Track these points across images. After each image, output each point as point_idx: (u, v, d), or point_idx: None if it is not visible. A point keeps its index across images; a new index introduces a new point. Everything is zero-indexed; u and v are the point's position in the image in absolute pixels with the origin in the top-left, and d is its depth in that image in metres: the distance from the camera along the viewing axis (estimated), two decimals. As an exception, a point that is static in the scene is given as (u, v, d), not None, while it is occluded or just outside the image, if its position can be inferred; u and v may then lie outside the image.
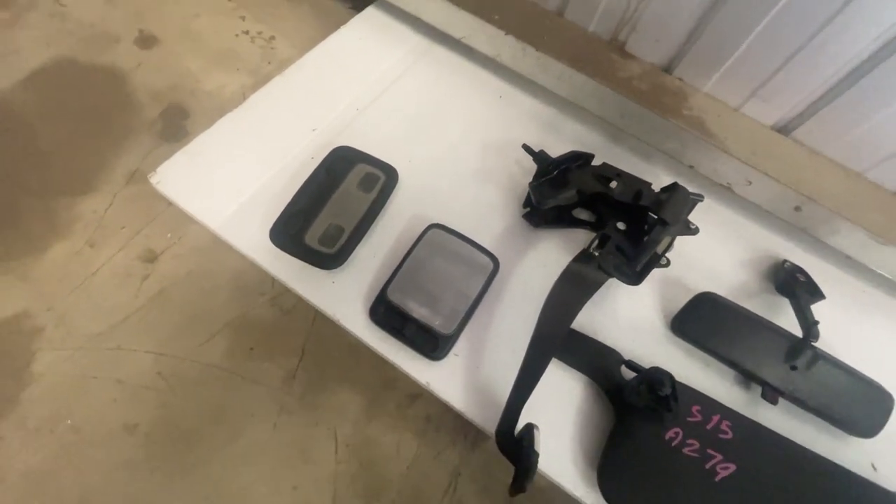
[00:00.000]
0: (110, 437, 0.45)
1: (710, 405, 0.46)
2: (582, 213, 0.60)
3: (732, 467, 0.43)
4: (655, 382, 0.44)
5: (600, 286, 0.48)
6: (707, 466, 0.43)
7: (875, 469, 0.50)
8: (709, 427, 0.44)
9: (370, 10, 0.73)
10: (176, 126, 0.62)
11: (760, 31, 0.50)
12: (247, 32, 0.72)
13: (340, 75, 0.67)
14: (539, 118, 0.66)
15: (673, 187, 0.51)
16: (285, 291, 0.50)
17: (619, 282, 0.50)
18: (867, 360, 0.52)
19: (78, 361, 0.48)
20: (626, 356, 0.50)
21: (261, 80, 0.63)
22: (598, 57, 0.61)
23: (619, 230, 0.52)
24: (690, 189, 0.53)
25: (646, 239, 0.49)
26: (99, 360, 0.48)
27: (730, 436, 0.44)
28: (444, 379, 0.48)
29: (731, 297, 0.55)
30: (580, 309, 0.46)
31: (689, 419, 0.45)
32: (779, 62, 0.52)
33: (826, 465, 0.46)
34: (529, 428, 0.42)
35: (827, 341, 0.52)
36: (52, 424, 0.45)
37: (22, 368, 0.46)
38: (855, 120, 0.52)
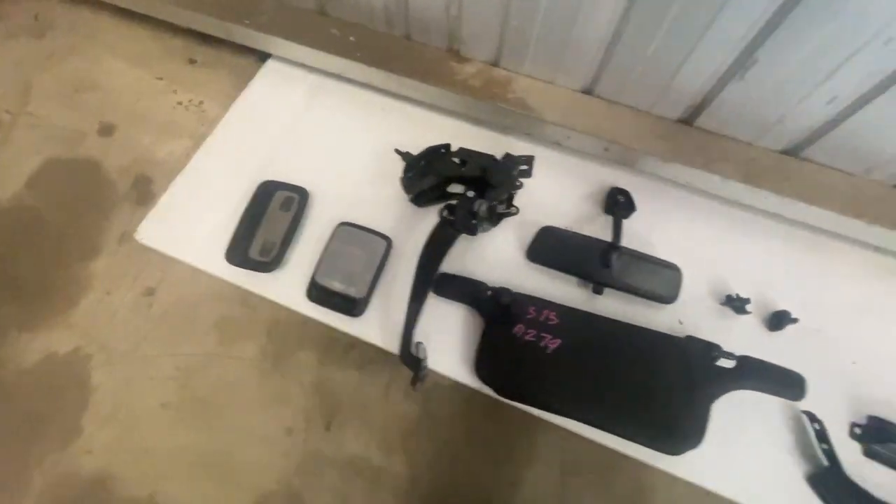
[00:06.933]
0: (153, 412, 0.68)
1: (542, 304, 0.66)
2: (456, 188, 0.78)
3: (558, 341, 0.63)
4: (500, 296, 0.64)
5: (454, 240, 0.68)
6: (542, 344, 0.63)
7: (681, 323, 0.69)
8: (541, 319, 0.64)
9: (270, 63, 0.91)
10: (145, 192, 0.82)
11: (543, 12, 0.64)
12: (180, 103, 0.90)
13: (257, 121, 0.85)
14: (414, 121, 0.84)
15: (495, 159, 0.70)
16: (249, 293, 0.71)
17: (488, 232, 0.70)
18: (666, 247, 0.72)
19: (120, 371, 0.70)
20: (497, 284, 0.70)
21: (199, 141, 0.82)
22: (440, 67, 0.78)
23: (468, 198, 0.70)
24: (531, 151, 0.73)
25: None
26: (134, 367, 0.70)
27: (556, 322, 0.64)
28: (367, 328, 0.69)
29: (574, 226, 0.75)
30: (443, 257, 0.67)
31: (528, 317, 0.64)
32: (564, 36, 0.66)
33: (633, 329, 0.65)
34: (418, 344, 0.63)
35: (643, 240, 0.71)
36: (114, 412, 0.68)
37: (85, 382, 0.69)
38: (632, 66, 0.67)
